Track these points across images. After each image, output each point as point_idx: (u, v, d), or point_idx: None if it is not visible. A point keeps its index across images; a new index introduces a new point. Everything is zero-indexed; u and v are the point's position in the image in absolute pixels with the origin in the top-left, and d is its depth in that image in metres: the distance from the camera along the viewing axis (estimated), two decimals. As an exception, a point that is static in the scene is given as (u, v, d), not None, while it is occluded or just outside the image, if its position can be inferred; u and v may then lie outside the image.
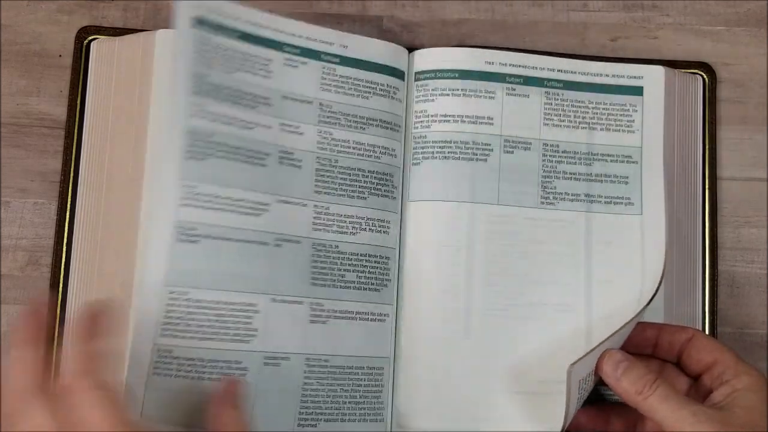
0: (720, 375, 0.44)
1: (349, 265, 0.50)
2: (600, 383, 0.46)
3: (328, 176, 0.51)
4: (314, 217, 0.50)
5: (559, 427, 0.44)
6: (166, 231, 0.46)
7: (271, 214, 0.48)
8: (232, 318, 0.47)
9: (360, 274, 0.50)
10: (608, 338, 0.45)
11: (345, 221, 0.50)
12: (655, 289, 0.48)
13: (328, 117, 0.51)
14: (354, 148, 0.51)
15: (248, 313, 0.47)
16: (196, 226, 0.46)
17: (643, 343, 0.47)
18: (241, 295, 0.47)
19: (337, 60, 0.52)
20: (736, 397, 0.43)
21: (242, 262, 0.47)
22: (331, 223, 0.50)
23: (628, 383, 0.44)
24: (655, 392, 0.43)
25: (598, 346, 0.45)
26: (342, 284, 0.50)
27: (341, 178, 0.51)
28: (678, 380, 0.47)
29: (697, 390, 0.46)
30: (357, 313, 0.50)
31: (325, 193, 0.50)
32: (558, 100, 0.53)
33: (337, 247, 0.50)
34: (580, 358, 0.43)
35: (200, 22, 0.48)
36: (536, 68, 0.53)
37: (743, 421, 0.41)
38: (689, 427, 0.41)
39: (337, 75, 0.52)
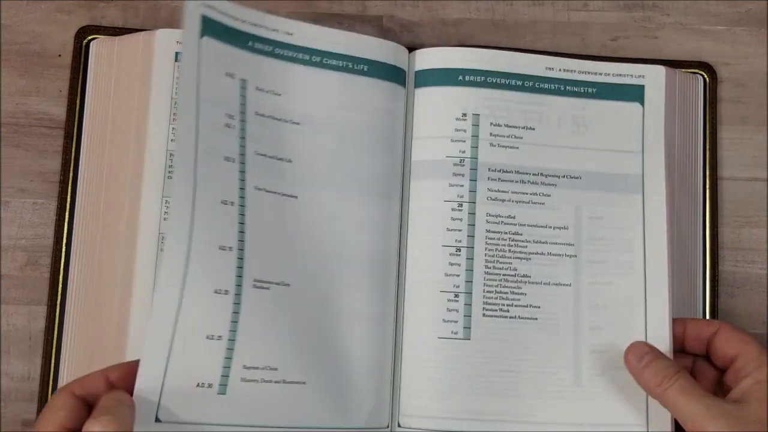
0: (743, 367, 0.44)
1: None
2: None
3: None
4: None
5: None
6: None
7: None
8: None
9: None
10: None
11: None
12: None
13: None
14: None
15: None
16: None
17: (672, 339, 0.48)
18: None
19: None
20: (756, 389, 0.43)
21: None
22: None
23: (650, 375, 0.44)
24: (673, 385, 0.43)
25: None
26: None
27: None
28: (707, 374, 0.47)
29: (724, 383, 0.46)
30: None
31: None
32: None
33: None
34: None
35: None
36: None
37: (758, 415, 0.41)
38: (702, 421, 0.41)
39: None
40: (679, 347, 0.48)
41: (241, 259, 0.46)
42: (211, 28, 0.48)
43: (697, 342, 0.48)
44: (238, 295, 0.45)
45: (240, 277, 0.46)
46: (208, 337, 0.45)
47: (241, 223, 0.47)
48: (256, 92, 0.49)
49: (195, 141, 0.46)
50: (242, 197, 0.47)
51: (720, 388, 0.47)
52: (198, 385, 0.44)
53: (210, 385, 0.45)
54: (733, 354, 0.45)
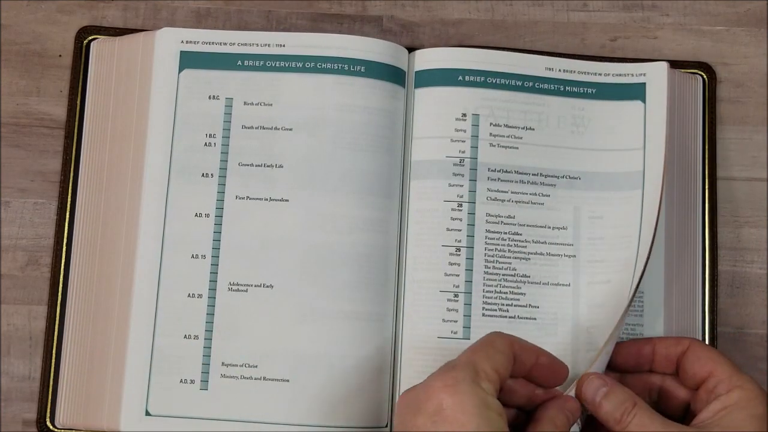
0: (714, 389, 0.43)
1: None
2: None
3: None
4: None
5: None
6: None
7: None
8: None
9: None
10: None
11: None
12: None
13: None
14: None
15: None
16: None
17: (640, 361, 0.47)
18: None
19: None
20: (723, 415, 0.42)
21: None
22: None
23: (608, 410, 0.43)
24: (632, 421, 0.42)
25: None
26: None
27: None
28: (677, 393, 0.46)
29: (695, 404, 0.45)
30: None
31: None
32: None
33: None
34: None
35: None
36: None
37: None
38: None
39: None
40: (648, 368, 0.47)
41: (216, 265, 0.50)
42: (191, 60, 0.52)
43: (667, 361, 0.46)
44: (212, 298, 0.50)
45: (214, 281, 0.50)
46: (185, 337, 0.49)
47: (217, 232, 0.50)
48: (244, 107, 0.52)
49: (168, 164, 0.51)
50: (220, 208, 0.50)
51: (690, 409, 0.45)
52: (181, 381, 0.49)
53: (192, 381, 0.49)
54: (704, 374, 0.44)
